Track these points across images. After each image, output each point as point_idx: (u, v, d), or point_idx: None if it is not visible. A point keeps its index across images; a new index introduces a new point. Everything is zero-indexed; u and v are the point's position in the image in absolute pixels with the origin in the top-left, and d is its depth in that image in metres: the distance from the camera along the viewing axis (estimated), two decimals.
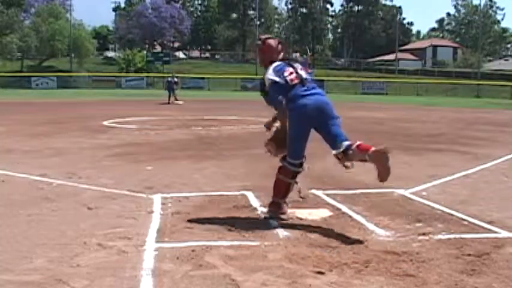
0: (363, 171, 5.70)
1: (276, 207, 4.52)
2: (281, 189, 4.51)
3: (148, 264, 3.29)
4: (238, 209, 4.73)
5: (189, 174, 6.52)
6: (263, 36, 4.78)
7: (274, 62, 4.52)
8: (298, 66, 4.52)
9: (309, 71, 4.64)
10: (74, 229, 4.05)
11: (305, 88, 4.36)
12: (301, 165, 4.45)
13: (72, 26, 56.15)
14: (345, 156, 4.24)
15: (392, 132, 12.74)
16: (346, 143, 4.22)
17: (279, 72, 4.41)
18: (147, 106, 22.71)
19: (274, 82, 4.39)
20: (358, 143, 4.20)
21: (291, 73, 4.41)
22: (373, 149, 4.06)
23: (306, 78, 4.44)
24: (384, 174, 4.03)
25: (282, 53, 4.62)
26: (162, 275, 3.12)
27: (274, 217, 4.42)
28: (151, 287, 2.98)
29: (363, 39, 78.76)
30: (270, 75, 4.44)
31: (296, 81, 4.38)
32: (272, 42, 4.65)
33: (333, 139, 4.29)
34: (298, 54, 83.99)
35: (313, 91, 4.39)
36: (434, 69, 65.19)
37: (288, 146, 4.44)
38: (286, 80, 4.38)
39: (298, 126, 4.35)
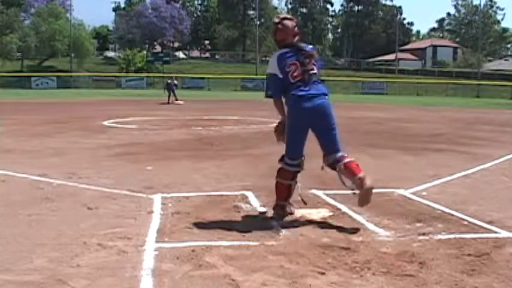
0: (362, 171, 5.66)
1: (280, 209, 4.47)
2: (282, 192, 4.45)
3: (148, 264, 3.29)
4: (238, 209, 4.72)
5: (189, 174, 6.51)
6: (281, 16, 4.57)
7: (286, 45, 4.33)
8: (306, 55, 4.28)
9: (317, 60, 4.39)
10: (74, 229, 4.05)
11: (307, 88, 4.19)
12: (299, 165, 4.39)
13: (72, 26, 56.14)
14: (330, 167, 4.31)
15: (392, 132, 12.73)
16: (339, 154, 4.23)
17: (283, 62, 4.24)
18: (147, 106, 22.70)
19: (273, 74, 4.30)
20: (347, 160, 4.19)
21: (296, 67, 4.22)
22: (360, 175, 4.07)
23: (311, 74, 4.26)
24: (363, 202, 4.12)
25: (297, 37, 4.38)
26: (162, 275, 3.12)
27: (280, 219, 4.35)
28: (151, 287, 2.98)
29: (363, 39, 78.78)
30: (272, 67, 4.31)
31: (299, 78, 4.21)
32: (289, 23, 4.40)
33: (326, 146, 4.28)
34: None
35: (315, 92, 4.21)
36: (434, 69, 65.25)
37: (286, 145, 4.38)
38: (287, 75, 4.22)
39: (295, 128, 4.28)
